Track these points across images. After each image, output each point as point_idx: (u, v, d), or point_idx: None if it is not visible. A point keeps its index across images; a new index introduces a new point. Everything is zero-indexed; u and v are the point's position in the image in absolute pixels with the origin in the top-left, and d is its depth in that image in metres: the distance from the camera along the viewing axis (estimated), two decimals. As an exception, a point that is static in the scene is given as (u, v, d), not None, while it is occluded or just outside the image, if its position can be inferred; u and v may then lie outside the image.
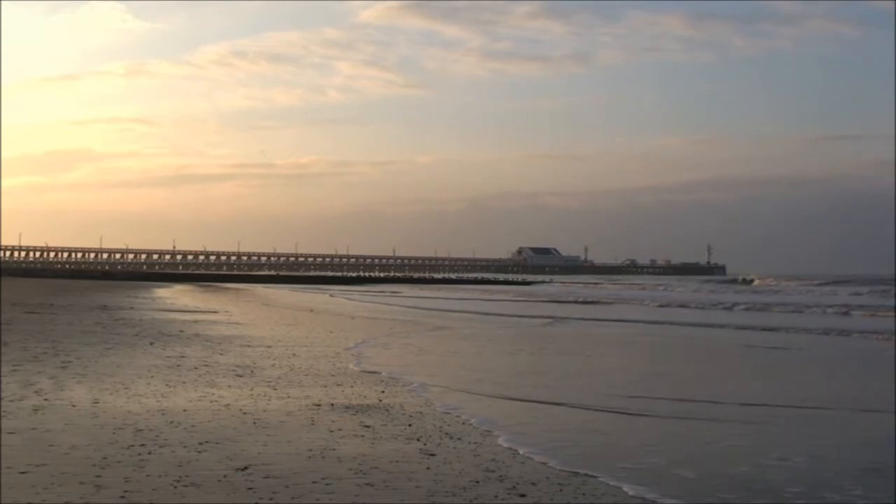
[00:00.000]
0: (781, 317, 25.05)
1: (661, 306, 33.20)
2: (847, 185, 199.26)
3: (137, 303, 26.67)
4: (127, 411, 7.08)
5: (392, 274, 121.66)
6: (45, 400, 7.44)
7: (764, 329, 19.72)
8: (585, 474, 5.45)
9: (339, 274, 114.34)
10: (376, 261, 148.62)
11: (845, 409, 8.68)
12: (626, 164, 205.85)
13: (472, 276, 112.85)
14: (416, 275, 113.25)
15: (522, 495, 4.93)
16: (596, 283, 74.85)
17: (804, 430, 7.30)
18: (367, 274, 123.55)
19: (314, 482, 5.04)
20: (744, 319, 23.99)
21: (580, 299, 39.96)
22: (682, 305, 33.67)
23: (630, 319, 24.07)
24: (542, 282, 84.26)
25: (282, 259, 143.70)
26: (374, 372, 10.37)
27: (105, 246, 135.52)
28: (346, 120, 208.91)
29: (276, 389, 8.63)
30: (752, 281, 65.22)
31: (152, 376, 9.21)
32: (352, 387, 9.00)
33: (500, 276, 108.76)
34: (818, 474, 5.66)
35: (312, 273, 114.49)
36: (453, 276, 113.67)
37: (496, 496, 4.89)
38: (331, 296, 42.97)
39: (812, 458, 6.10)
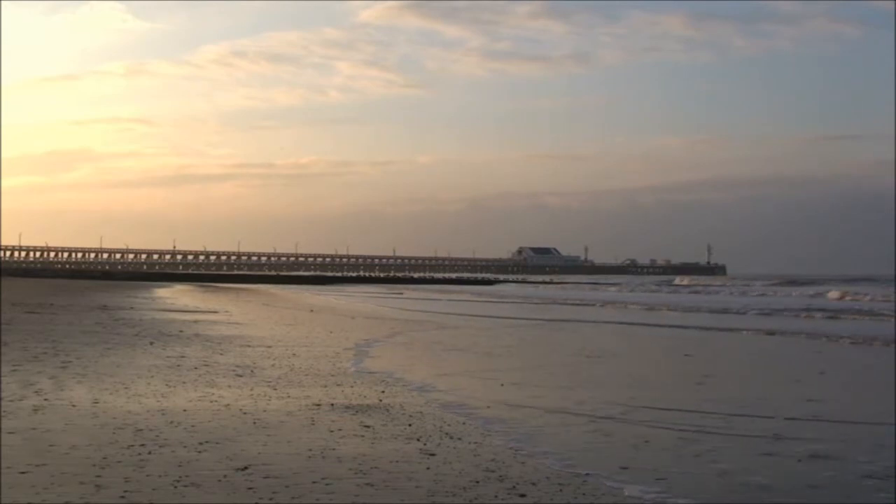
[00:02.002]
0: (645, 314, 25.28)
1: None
2: (847, 185, 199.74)
3: (137, 303, 26.66)
4: (127, 411, 7.08)
5: (392, 274, 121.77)
6: (45, 400, 7.44)
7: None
8: (586, 474, 5.45)
9: (339, 274, 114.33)
10: (376, 261, 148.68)
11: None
12: (626, 164, 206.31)
13: (470, 275, 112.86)
14: (416, 275, 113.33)
15: (522, 495, 4.93)
16: (545, 283, 77.87)
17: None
18: (367, 274, 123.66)
19: (314, 482, 5.04)
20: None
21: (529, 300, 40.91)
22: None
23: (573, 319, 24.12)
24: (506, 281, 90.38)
25: (282, 259, 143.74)
26: (374, 372, 10.37)
27: (105, 246, 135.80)
28: (346, 120, 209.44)
29: (276, 389, 8.62)
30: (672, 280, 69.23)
31: (152, 376, 9.20)
32: (352, 387, 9.00)
33: (501, 277, 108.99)
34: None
35: (312, 273, 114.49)
36: (453, 276, 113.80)
37: (496, 496, 4.89)
38: (318, 294, 43.03)
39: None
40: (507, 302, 38.83)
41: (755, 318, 24.31)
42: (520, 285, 77.08)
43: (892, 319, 23.12)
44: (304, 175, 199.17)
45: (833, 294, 40.39)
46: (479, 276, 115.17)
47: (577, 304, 35.23)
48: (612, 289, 58.32)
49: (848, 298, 36.95)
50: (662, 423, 7.34)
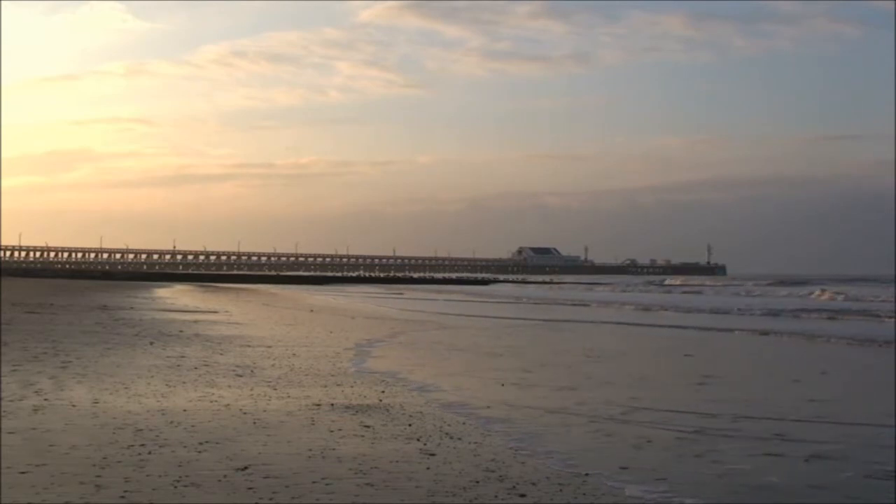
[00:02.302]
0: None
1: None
2: (847, 185, 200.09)
3: (137, 303, 26.66)
4: (127, 411, 7.08)
5: (392, 274, 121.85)
6: (45, 400, 7.44)
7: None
8: (585, 474, 5.45)
9: (339, 274, 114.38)
10: (376, 261, 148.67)
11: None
12: (626, 164, 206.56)
13: (470, 275, 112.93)
14: (416, 275, 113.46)
15: (522, 495, 4.93)
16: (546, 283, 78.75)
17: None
18: (367, 274, 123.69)
19: (314, 482, 5.04)
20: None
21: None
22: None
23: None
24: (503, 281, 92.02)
25: (282, 259, 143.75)
26: (374, 372, 10.37)
27: (105, 246, 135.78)
28: (346, 120, 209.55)
29: (276, 389, 8.62)
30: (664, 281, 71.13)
31: (152, 376, 9.20)
32: (352, 387, 9.00)
33: (501, 277, 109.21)
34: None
35: (312, 273, 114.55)
36: (454, 276, 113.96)
37: (496, 496, 4.89)
38: (318, 294, 43.03)
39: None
40: (505, 302, 38.86)
41: (744, 319, 24.29)
42: (515, 285, 77.63)
43: (874, 319, 23.20)
44: (304, 175, 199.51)
45: (818, 294, 40.94)
46: (480, 276, 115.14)
47: (574, 305, 35.26)
48: (602, 288, 59.43)
49: (841, 298, 37.29)
50: (663, 424, 7.34)
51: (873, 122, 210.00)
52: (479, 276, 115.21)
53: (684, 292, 50.37)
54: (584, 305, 34.85)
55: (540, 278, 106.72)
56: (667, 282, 72.41)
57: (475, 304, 34.74)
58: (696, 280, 76.88)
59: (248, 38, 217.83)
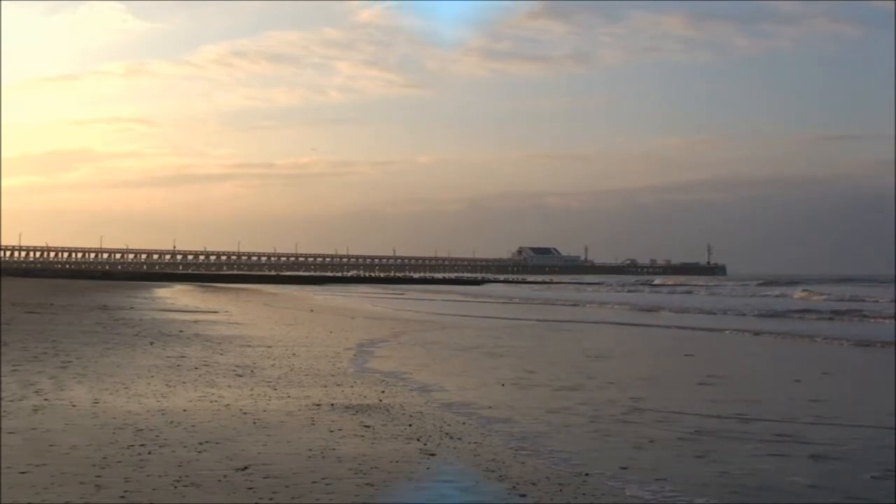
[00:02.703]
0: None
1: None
2: (847, 185, 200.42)
3: (137, 303, 26.66)
4: (127, 411, 7.08)
5: (392, 274, 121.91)
6: (45, 400, 7.43)
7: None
8: (586, 474, 5.44)
9: (339, 274, 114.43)
10: (376, 261, 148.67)
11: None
12: (626, 164, 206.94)
13: (470, 276, 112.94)
14: (416, 275, 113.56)
15: (522, 495, 4.92)
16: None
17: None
18: (367, 274, 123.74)
19: (314, 482, 5.03)
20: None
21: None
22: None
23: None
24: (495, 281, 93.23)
25: (282, 259, 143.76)
26: (375, 372, 10.37)
27: (105, 246, 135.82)
28: (346, 120, 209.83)
29: (276, 389, 8.62)
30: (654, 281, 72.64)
31: (152, 376, 9.20)
32: (352, 387, 8.99)
33: (501, 277, 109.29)
34: (819, 474, 5.63)
35: (312, 273, 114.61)
36: (453, 276, 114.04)
37: (496, 496, 4.88)
38: (318, 293, 43.02)
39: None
40: (504, 303, 38.84)
41: (735, 319, 24.20)
42: (508, 285, 77.90)
43: (863, 320, 23.27)
44: (304, 175, 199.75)
45: (800, 294, 41.19)
46: (479, 276, 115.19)
47: (574, 306, 35.24)
48: (592, 289, 60.11)
49: (821, 298, 37.33)
50: (664, 424, 7.34)
51: (873, 122, 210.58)
52: (479, 276, 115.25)
53: (671, 293, 50.25)
54: (576, 305, 34.81)
55: (539, 278, 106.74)
56: (656, 282, 73.07)
57: (475, 305, 34.74)
58: (683, 279, 77.16)
59: (248, 38, 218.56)
